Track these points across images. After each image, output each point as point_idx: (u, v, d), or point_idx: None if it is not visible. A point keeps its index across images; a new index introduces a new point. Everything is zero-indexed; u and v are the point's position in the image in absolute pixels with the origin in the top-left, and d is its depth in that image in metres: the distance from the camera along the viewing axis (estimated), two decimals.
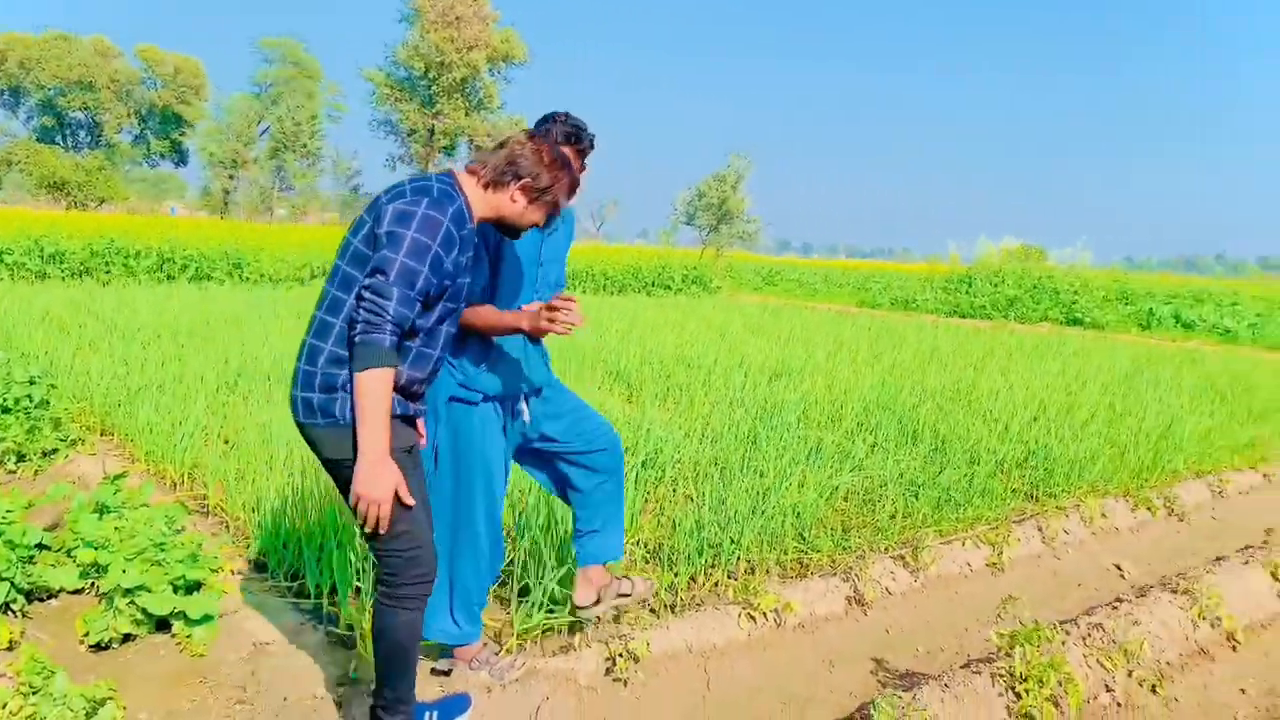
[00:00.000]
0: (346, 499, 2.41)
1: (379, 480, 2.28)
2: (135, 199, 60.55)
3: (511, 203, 2.54)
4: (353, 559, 3.61)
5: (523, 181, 2.52)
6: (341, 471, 2.42)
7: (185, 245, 19.42)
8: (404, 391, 2.47)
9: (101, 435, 5.99)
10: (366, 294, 2.26)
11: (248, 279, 19.53)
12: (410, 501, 2.38)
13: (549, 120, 2.99)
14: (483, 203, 2.53)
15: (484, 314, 2.90)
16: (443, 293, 2.42)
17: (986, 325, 21.44)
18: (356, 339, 2.25)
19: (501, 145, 2.56)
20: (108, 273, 17.82)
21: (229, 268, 19.60)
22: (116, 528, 3.39)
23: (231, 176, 50.56)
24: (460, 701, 2.87)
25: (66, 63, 50.18)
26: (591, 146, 3.05)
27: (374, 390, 2.24)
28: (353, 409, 2.31)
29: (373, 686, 2.71)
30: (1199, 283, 30.74)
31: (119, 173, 54.25)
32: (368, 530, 2.35)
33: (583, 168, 3.05)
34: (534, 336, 3.03)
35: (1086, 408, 8.24)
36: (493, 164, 2.52)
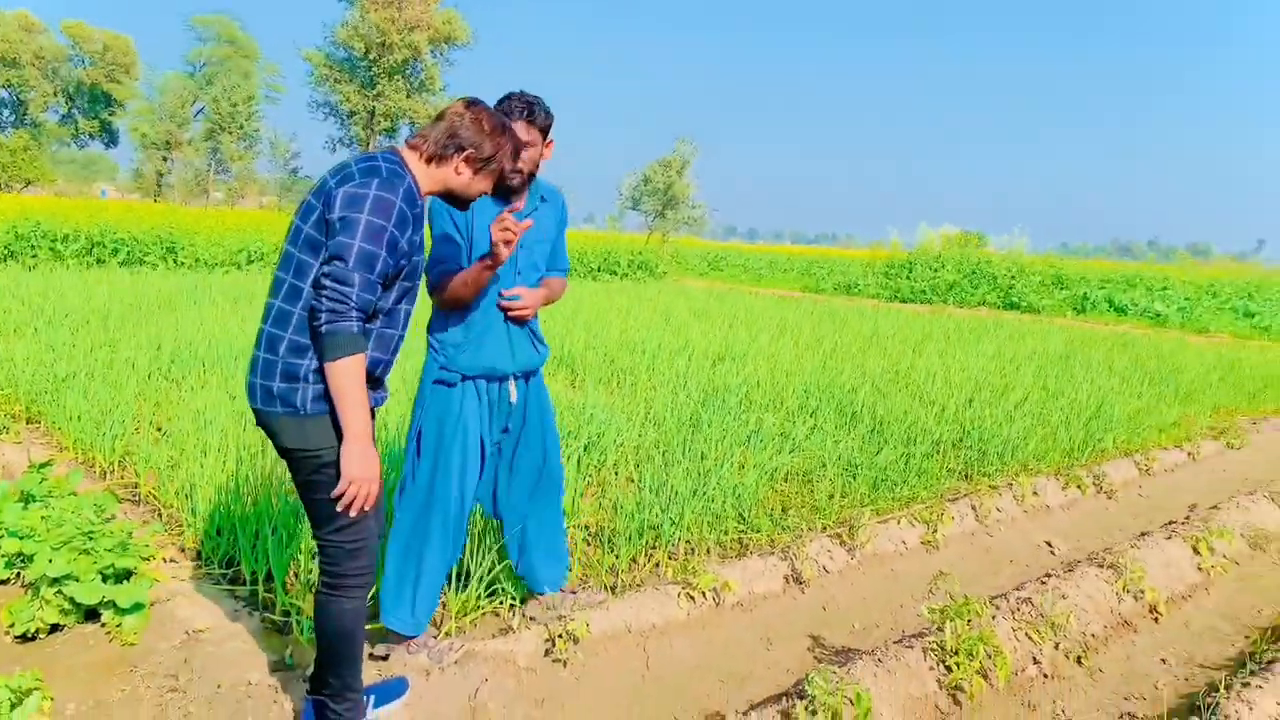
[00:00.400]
0: (303, 489, 2.41)
1: (369, 461, 2.29)
2: (63, 181, 58.70)
3: (456, 175, 2.50)
4: (293, 545, 3.57)
5: (466, 153, 2.47)
6: (296, 460, 2.39)
7: (116, 229, 18.85)
8: (368, 377, 2.44)
9: (27, 424, 5.82)
10: (327, 282, 2.22)
11: (182, 264, 19.05)
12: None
13: (506, 100, 2.98)
14: (428, 177, 2.49)
15: (456, 281, 2.93)
16: (399, 272, 2.39)
17: (926, 310, 21.82)
18: (323, 329, 2.21)
19: (440, 117, 2.52)
20: (34, 257, 17.23)
21: (163, 252, 19.09)
22: (43, 516, 3.30)
23: (165, 158, 49.24)
24: (398, 685, 2.86)
25: None
26: (547, 118, 3.03)
27: (350, 376, 2.23)
28: (314, 398, 2.32)
29: (309, 671, 2.69)
30: (1131, 268, 31.59)
31: (45, 153, 52.45)
32: (353, 513, 2.34)
33: (548, 142, 3.07)
34: (518, 320, 3.07)
35: (1021, 389, 8.44)
36: (434, 137, 2.47)
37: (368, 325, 2.38)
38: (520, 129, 2.94)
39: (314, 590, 2.54)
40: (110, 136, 55.95)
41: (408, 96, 46.60)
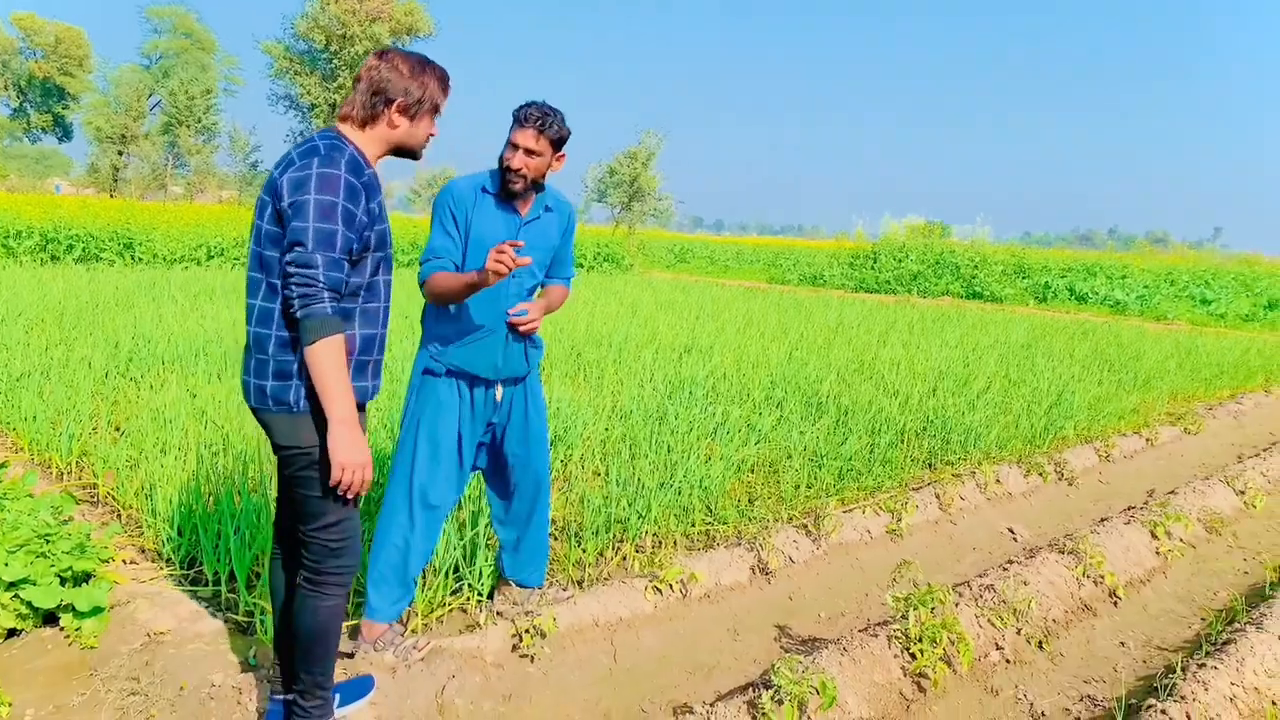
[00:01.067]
0: (293, 484, 2.39)
1: (357, 444, 2.25)
2: (15, 176, 57.35)
3: (393, 128, 2.43)
4: (255, 545, 3.53)
5: (396, 102, 2.40)
6: (289, 456, 2.37)
7: (71, 225, 18.48)
8: (366, 355, 2.43)
9: None
10: (292, 269, 2.19)
11: (140, 260, 18.74)
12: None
13: (524, 107, 3.00)
14: (369, 142, 2.43)
15: (441, 280, 2.93)
16: (367, 244, 2.34)
17: (890, 300, 21.99)
18: (297, 315, 2.19)
19: (358, 79, 2.46)
20: None
21: (119, 248, 18.75)
22: None
23: (121, 153, 48.27)
24: (364, 683, 2.84)
25: None
26: (560, 131, 3.02)
27: (329, 359, 2.19)
28: (307, 395, 2.29)
29: (273, 671, 2.67)
30: (1092, 257, 32.06)
31: None
32: (349, 495, 2.32)
33: (560, 155, 3.07)
34: (520, 334, 3.09)
35: (983, 378, 8.55)
36: (359, 100, 2.40)
37: (348, 305, 2.36)
38: (529, 137, 2.95)
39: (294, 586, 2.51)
40: (64, 131, 54.88)
41: None
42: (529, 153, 2.97)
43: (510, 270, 2.67)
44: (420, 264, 3.04)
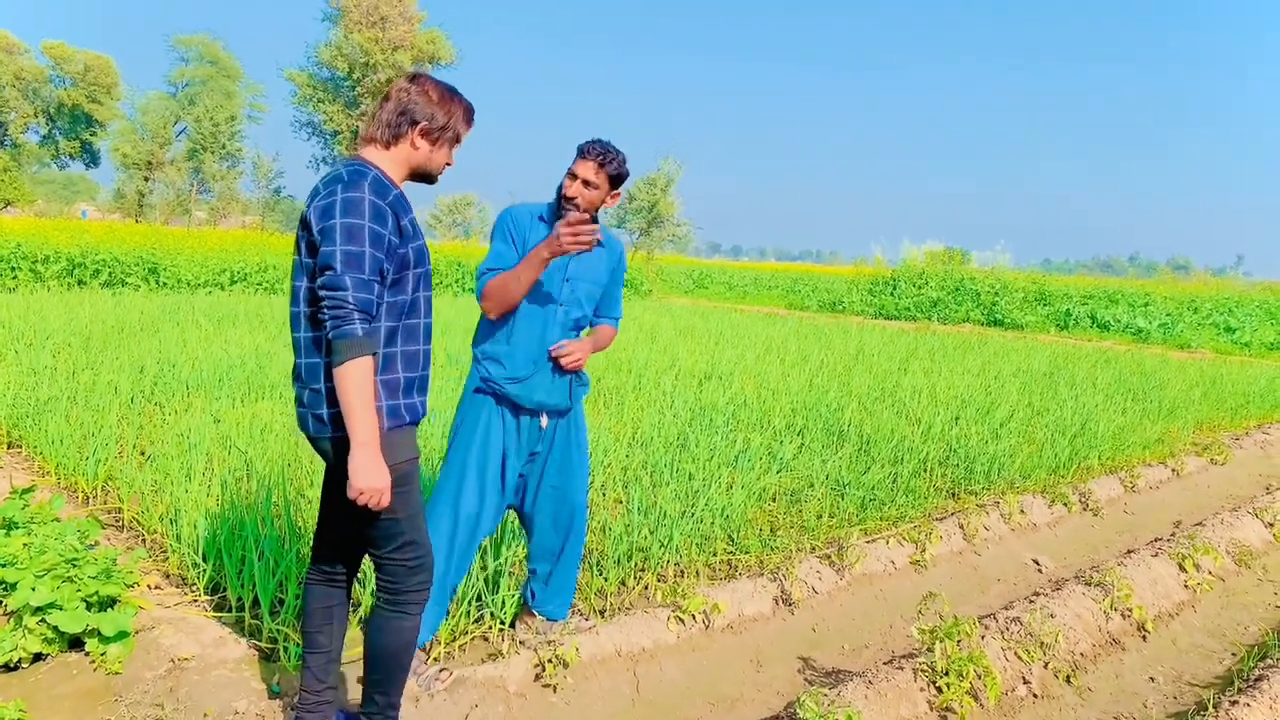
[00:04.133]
0: (350, 508, 2.37)
1: (378, 470, 2.25)
2: (43, 201, 58.33)
3: (414, 150, 2.46)
4: (279, 571, 3.53)
5: (419, 125, 2.44)
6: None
7: (97, 249, 18.73)
8: (410, 378, 2.43)
9: (9, 448, 5.76)
10: (323, 292, 2.21)
11: (164, 284, 18.96)
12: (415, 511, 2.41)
13: (590, 143, 3.09)
14: (391, 163, 2.45)
15: (501, 277, 3.01)
16: (404, 261, 2.36)
17: (911, 326, 21.92)
18: (330, 336, 2.20)
19: (386, 98, 2.49)
20: (14, 278, 17.10)
21: (144, 273, 18.99)
22: (25, 544, 3.26)
23: (146, 178, 48.93)
24: None
25: None
26: (620, 169, 3.10)
27: (356, 380, 2.20)
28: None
29: (297, 699, 2.67)
30: (1113, 284, 31.81)
31: (25, 174, 52.05)
32: (376, 507, 2.30)
33: (615, 193, 3.16)
34: (566, 368, 3.14)
35: (1006, 406, 8.48)
36: (385, 120, 2.43)
37: (392, 323, 2.37)
38: (589, 169, 3.05)
39: (371, 609, 2.55)
40: (91, 157, 55.59)
41: None
42: (586, 184, 3.07)
43: (589, 244, 2.83)
44: (477, 277, 3.13)
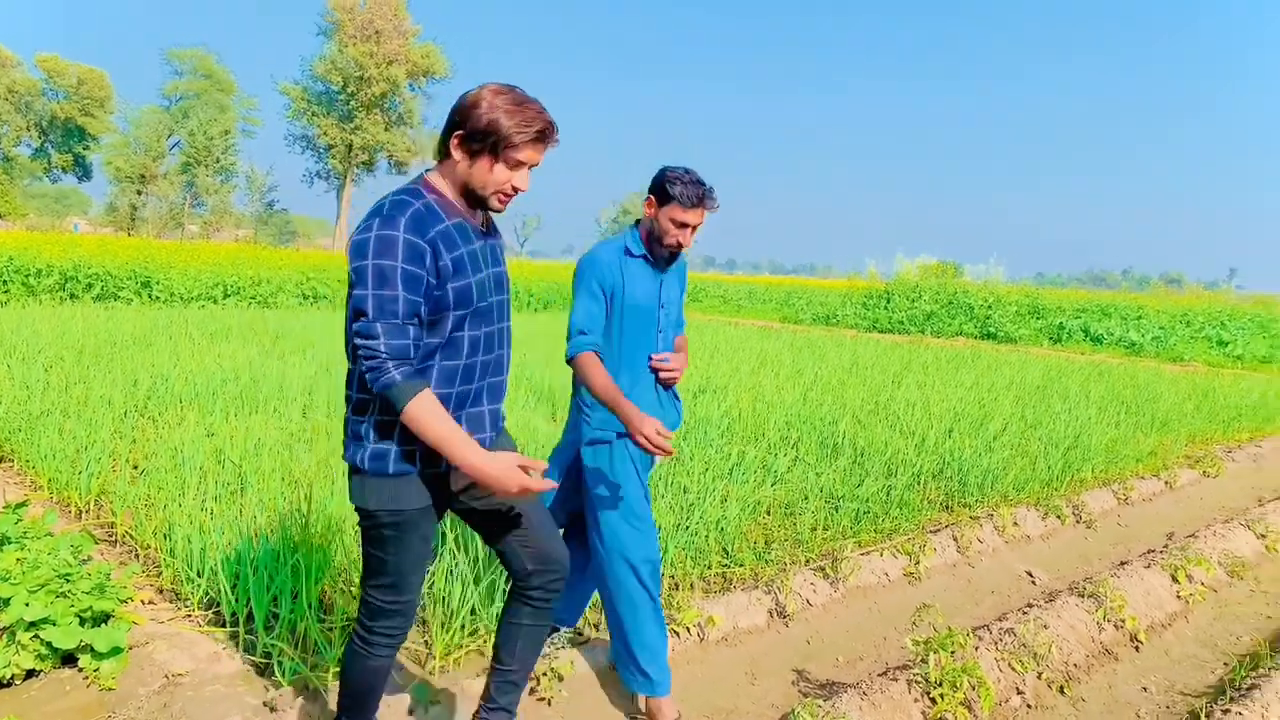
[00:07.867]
0: (361, 538, 2.38)
1: (497, 473, 2.15)
2: (35, 215, 58.23)
3: (456, 164, 2.23)
4: (274, 586, 3.53)
5: (456, 134, 2.19)
6: (358, 512, 2.36)
7: (90, 263, 18.73)
8: (452, 413, 2.29)
9: (1, 463, 5.74)
10: (358, 340, 2.12)
11: (157, 298, 18.94)
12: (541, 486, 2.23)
13: (677, 181, 3.02)
14: (445, 182, 2.27)
15: (592, 375, 2.91)
16: (441, 304, 2.22)
17: (904, 340, 21.99)
18: (375, 390, 2.13)
19: None
20: (6, 292, 17.09)
21: (137, 286, 18.97)
22: (18, 559, 3.25)
23: (139, 192, 48.98)
24: None
25: None
26: (708, 197, 3.05)
27: (424, 418, 2.11)
28: (372, 456, 2.25)
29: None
30: (1106, 297, 31.90)
31: (17, 187, 52.08)
32: (536, 490, 2.21)
33: (699, 220, 3.08)
34: (667, 383, 3.15)
35: (999, 419, 8.51)
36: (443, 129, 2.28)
37: (427, 363, 2.26)
38: (700, 215, 3.03)
39: (346, 638, 2.53)
40: (84, 170, 55.61)
41: (386, 129, 46.73)
42: (694, 229, 3.06)
43: (666, 454, 2.78)
44: (570, 336, 3.03)
